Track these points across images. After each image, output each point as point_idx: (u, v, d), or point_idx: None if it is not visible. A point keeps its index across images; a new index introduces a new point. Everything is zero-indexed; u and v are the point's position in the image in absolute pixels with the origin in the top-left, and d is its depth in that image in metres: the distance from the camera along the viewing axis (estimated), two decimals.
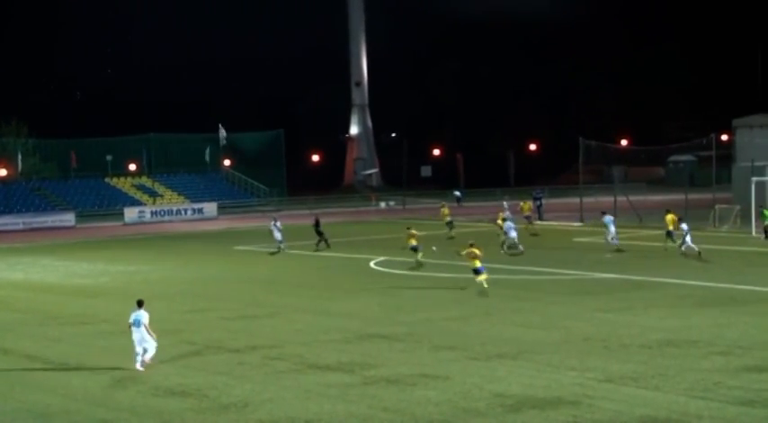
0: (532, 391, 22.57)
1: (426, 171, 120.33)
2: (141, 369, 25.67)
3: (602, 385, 22.91)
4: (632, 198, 70.86)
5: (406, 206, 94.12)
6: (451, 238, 57.21)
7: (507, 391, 22.51)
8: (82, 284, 45.27)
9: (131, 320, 25.95)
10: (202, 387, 23.88)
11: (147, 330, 25.75)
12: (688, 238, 47.50)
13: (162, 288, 42.26)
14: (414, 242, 46.49)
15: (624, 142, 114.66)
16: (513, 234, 51.24)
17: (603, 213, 53.18)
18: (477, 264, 36.68)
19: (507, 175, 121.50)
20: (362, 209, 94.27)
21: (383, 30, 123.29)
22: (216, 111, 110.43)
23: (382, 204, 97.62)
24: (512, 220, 54.13)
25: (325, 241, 55.74)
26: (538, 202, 73.05)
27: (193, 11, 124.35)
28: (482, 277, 36.62)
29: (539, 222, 67.79)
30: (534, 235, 60.01)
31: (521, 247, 51.01)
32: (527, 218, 63.61)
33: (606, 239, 51.15)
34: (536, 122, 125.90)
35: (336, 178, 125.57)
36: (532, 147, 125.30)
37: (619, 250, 49.87)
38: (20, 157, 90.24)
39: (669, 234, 49.51)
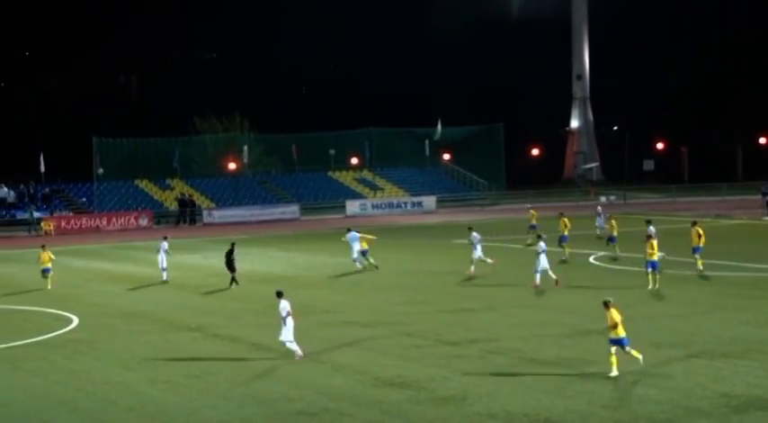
0: (760, 391, 21.79)
1: (649, 165, 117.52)
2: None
3: None
4: None
5: (627, 201, 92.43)
6: (529, 245, 51.30)
7: (733, 391, 21.82)
8: (304, 275, 46.41)
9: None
10: (420, 379, 24.07)
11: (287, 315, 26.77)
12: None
13: (379, 280, 42.84)
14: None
15: None
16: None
17: None
18: (621, 333, 24.03)
19: (735, 169, 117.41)
20: (582, 203, 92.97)
21: (604, 22, 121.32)
22: (436, 105, 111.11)
23: (602, 198, 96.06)
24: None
25: (234, 279, 42.60)
26: (767, 198, 70.79)
27: (413, 6, 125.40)
28: (626, 353, 24.20)
29: (767, 219, 65.47)
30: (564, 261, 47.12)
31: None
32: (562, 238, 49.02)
33: None
34: (766, 115, 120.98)
35: (556, 172, 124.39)
36: (762, 140, 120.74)
37: None
38: (245, 150, 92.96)
39: None
